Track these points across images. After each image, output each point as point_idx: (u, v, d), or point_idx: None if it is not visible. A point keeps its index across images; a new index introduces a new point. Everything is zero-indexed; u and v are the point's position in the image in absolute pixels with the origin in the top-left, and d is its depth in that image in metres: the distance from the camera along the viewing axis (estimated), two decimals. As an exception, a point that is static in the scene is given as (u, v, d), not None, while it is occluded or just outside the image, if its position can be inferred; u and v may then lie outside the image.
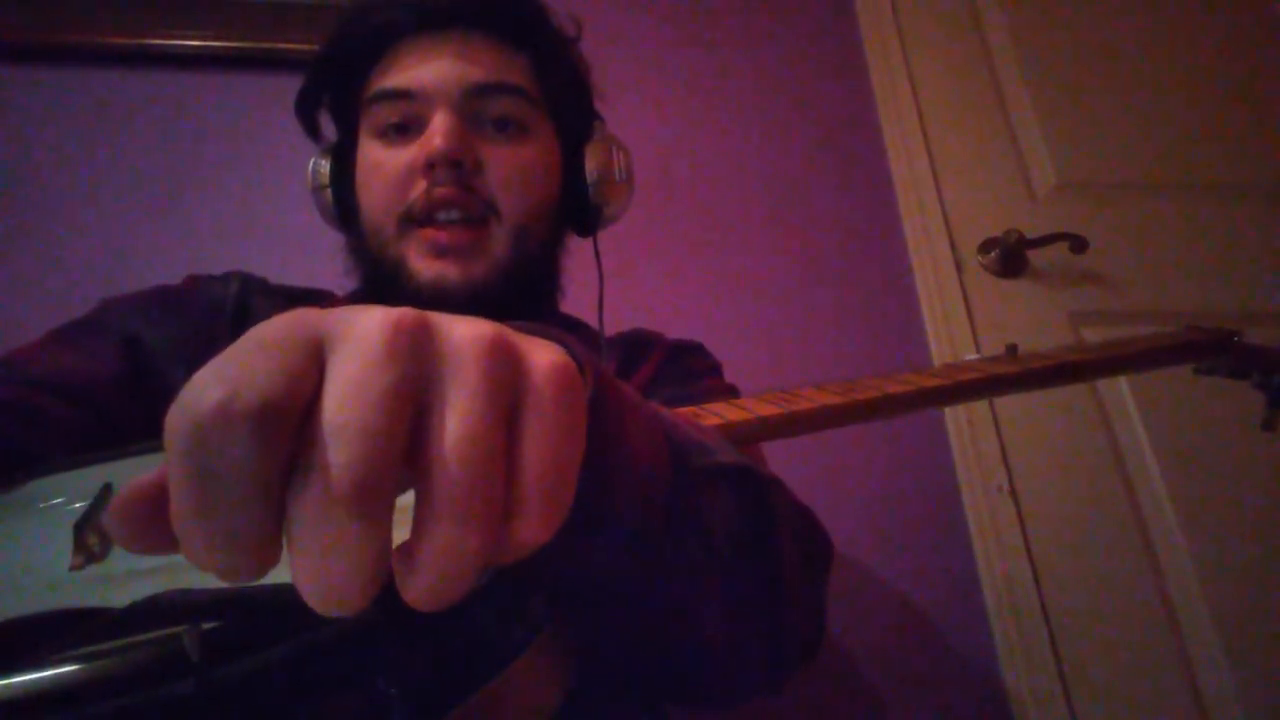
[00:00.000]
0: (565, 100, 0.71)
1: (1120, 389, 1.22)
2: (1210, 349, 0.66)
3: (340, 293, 0.76)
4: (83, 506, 0.35)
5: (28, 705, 0.22)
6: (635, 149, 1.28)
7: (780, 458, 1.12)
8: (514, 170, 0.65)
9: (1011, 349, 0.59)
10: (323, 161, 0.71)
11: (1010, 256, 1.28)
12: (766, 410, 0.45)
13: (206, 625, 0.24)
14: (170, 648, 0.23)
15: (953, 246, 1.29)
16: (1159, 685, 1.05)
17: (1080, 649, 1.06)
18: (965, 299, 1.25)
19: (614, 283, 1.17)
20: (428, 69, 0.64)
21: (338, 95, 0.71)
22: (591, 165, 0.71)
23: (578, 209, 0.72)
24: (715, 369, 0.77)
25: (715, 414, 0.44)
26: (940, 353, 1.22)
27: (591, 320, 0.82)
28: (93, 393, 0.57)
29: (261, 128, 1.22)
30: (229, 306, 0.68)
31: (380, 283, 0.65)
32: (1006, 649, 1.05)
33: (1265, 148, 1.45)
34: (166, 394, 0.59)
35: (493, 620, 0.30)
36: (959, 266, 1.28)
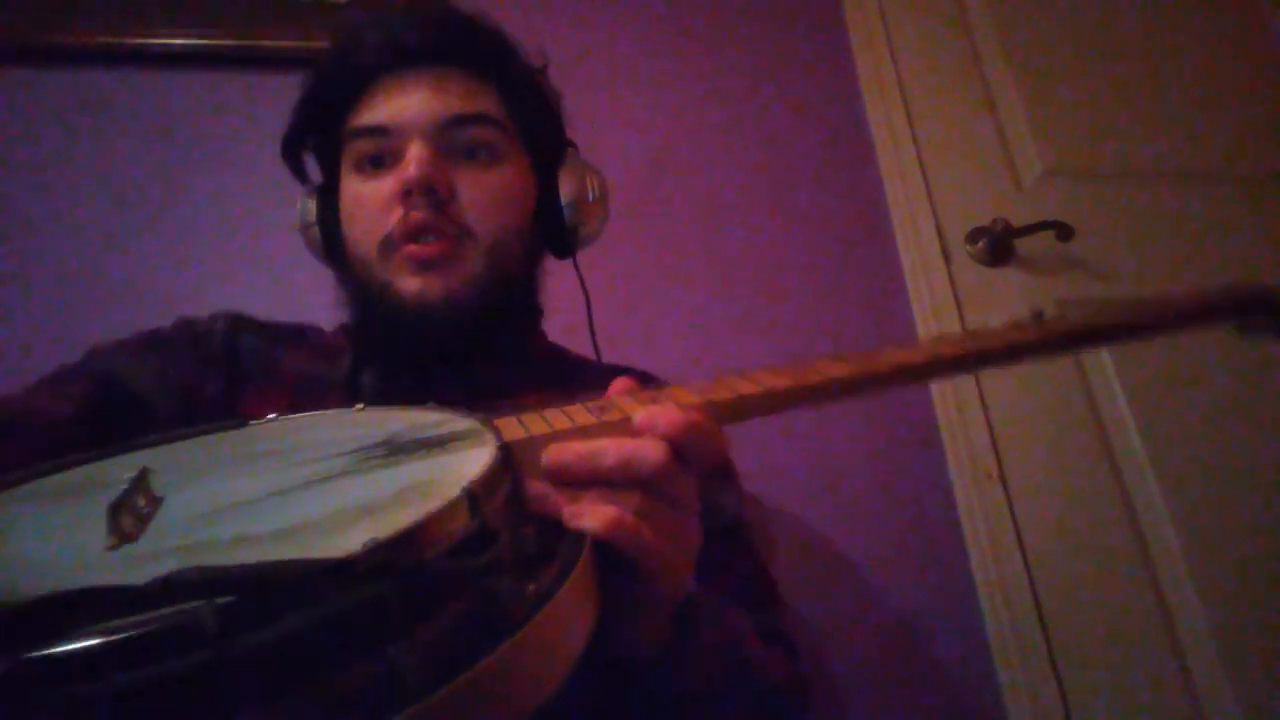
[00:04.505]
0: (536, 128, 0.74)
1: (1108, 374, 1.23)
2: (1254, 307, 0.63)
3: (328, 327, 0.78)
4: (119, 490, 0.36)
5: (52, 675, 0.23)
6: (621, 145, 1.29)
7: (773, 444, 1.13)
8: (486, 193, 0.68)
9: (1037, 315, 0.58)
10: (309, 201, 0.74)
11: (997, 245, 1.29)
12: (779, 383, 0.48)
13: (222, 600, 0.25)
14: (187, 620, 0.24)
15: (940, 236, 1.29)
16: (1149, 669, 1.06)
17: (1070, 631, 1.07)
18: (953, 288, 1.26)
19: (597, 281, 1.17)
20: (402, 104, 0.67)
21: (320, 135, 0.74)
22: (566, 188, 0.74)
23: (555, 231, 0.75)
24: None
25: (729, 388, 0.47)
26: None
27: (582, 340, 0.84)
28: (51, 429, 0.61)
29: (251, 125, 1.22)
30: (217, 344, 0.71)
31: (369, 306, 0.68)
32: (999, 636, 1.06)
33: (1253, 135, 1.46)
34: (148, 420, 0.62)
35: (506, 586, 0.31)
36: (947, 256, 1.28)
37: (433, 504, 0.32)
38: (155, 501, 0.37)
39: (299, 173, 0.77)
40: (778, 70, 1.40)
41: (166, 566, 0.26)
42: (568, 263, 0.82)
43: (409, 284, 0.65)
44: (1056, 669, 1.04)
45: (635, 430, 0.42)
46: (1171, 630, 1.09)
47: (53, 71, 1.19)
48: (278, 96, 1.23)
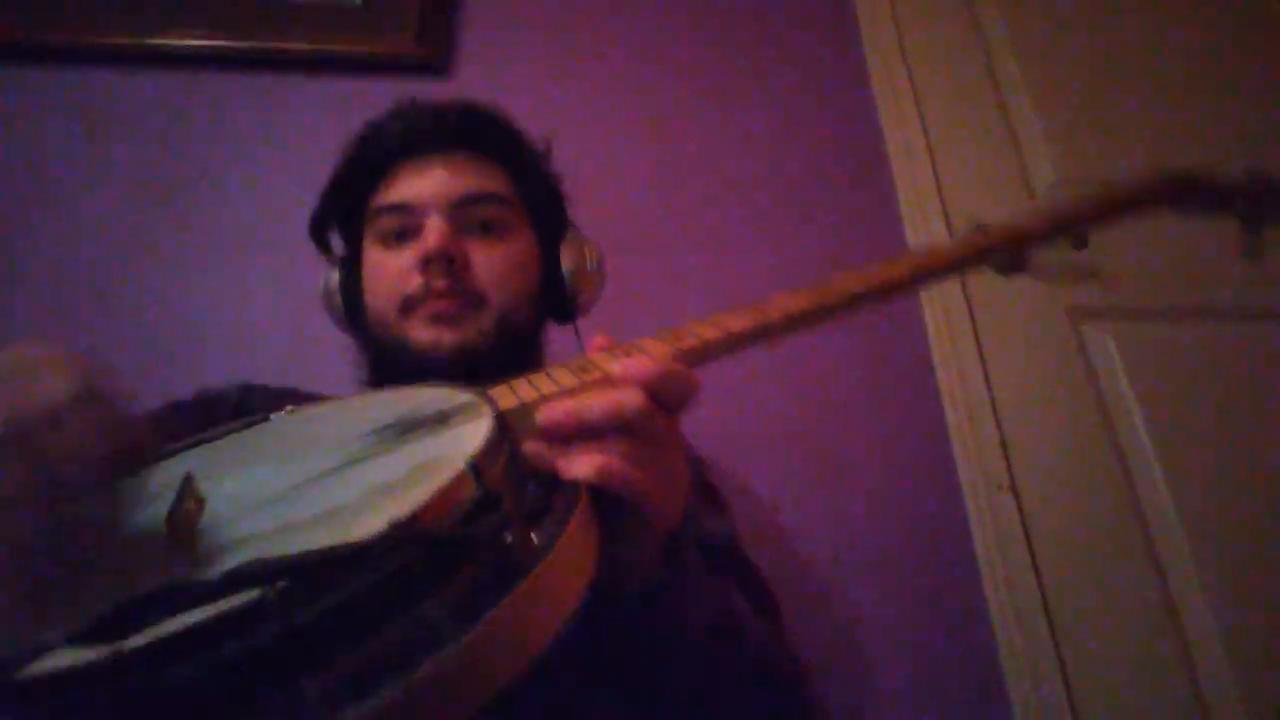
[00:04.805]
0: (541, 206, 0.82)
1: (1120, 384, 1.22)
2: (1182, 189, 0.69)
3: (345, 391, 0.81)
4: (169, 496, 0.40)
5: (149, 661, 0.28)
6: (631, 143, 1.28)
7: (783, 454, 1.12)
8: (498, 264, 0.74)
9: (981, 226, 0.63)
10: (334, 273, 0.81)
11: (1012, 256, 1.27)
12: (740, 323, 0.53)
13: (278, 585, 0.30)
14: (251, 605, 0.29)
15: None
16: (1160, 681, 1.05)
17: (1082, 644, 1.06)
18: (966, 297, 1.25)
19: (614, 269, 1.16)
20: (421, 184, 0.75)
21: (345, 214, 0.81)
22: (567, 260, 0.81)
23: (557, 299, 0.82)
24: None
25: (694, 335, 0.52)
26: (941, 350, 1.21)
27: None
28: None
29: (259, 127, 1.22)
30: (228, 407, 0.76)
31: (385, 358, 0.75)
32: (1009, 649, 1.05)
33: (1268, 142, 1.45)
34: None
35: (514, 540, 0.36)
36: (959, 265, 1.27)
37: (443, 478, 0.36)
38: (200, 502, 0.40)
39: (324, 248, 0.84)
40: (790, 76, 1.40)
41: (226, 562, 0.31)
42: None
43: (424, 335, 0.71)
44: (1067, 681, 1.03)
45: (616, 382, 0.47)
46: (1183, 641, 1.07)
47: (61, 71, 1.19)
48: (286, 98, 1.24)
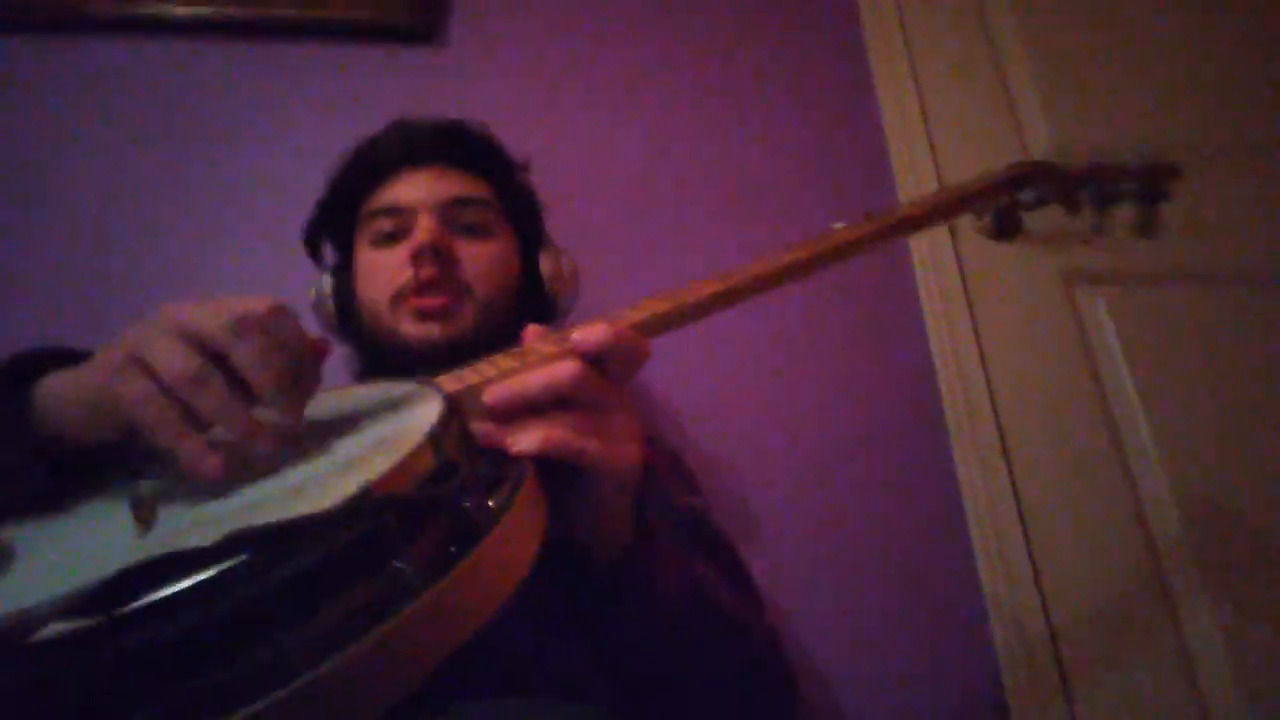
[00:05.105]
0: (520, 212, 0.90)
1: (1114, 351, 1.22)
2: (1032, 177, 0.74)
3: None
4: (129, 488, 0.44)
5: (128, 628, 0.30)
6: (628, 110, 1.28)
7: (770, 417, 1.12)
8: (483, 261, 0.81)
9: (870, 213, 0.68)
10: (327, 278, 0.87)
11: (1005, 219, 1.27)
12: (662, 307, 0.58)
13: (261, 549, 0.32)
14: (241, 567, 0.31)
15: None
16: (1147, 641, 1.07)
17: (1070, 607, 1.07)
18: (959, 262, 1.25)
19: (611, 245, 1.16)
20: (413, 188, 0.82)
21: (338, 222, 0.88)
22: (545, 266, 0.89)
23: (537, 304, 0.88)
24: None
25: (620, 316, 0.56)
26: (934, 313, 1.22)
27: None
28: None
29: (259, 95, 1.21)
30: None
31: (376, 350, 0.80)
32: (999, 613, 1.06)
33: (1264, 111, 1.44)
34: None
35: (473, 504, 0.39)
36: (953, 231, 1.28)
37: (404, 450, 0.39)
38: (154, 495, 0.43)
39: (317, 257, 0.90)
40: (784, 43, 1.39)
41: (200, 537, 0.32)
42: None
43: (413, 329, 0.77)
44: (1056, 645, 1.05)
45: (568, 352, 0.51)
46: (1170, 603, 1.09)
47: (60, 40, 1.18)
48: (286, 67, 1.23)
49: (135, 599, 0.30)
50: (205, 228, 1.13)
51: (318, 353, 0.49)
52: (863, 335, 1.21)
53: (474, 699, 0.47)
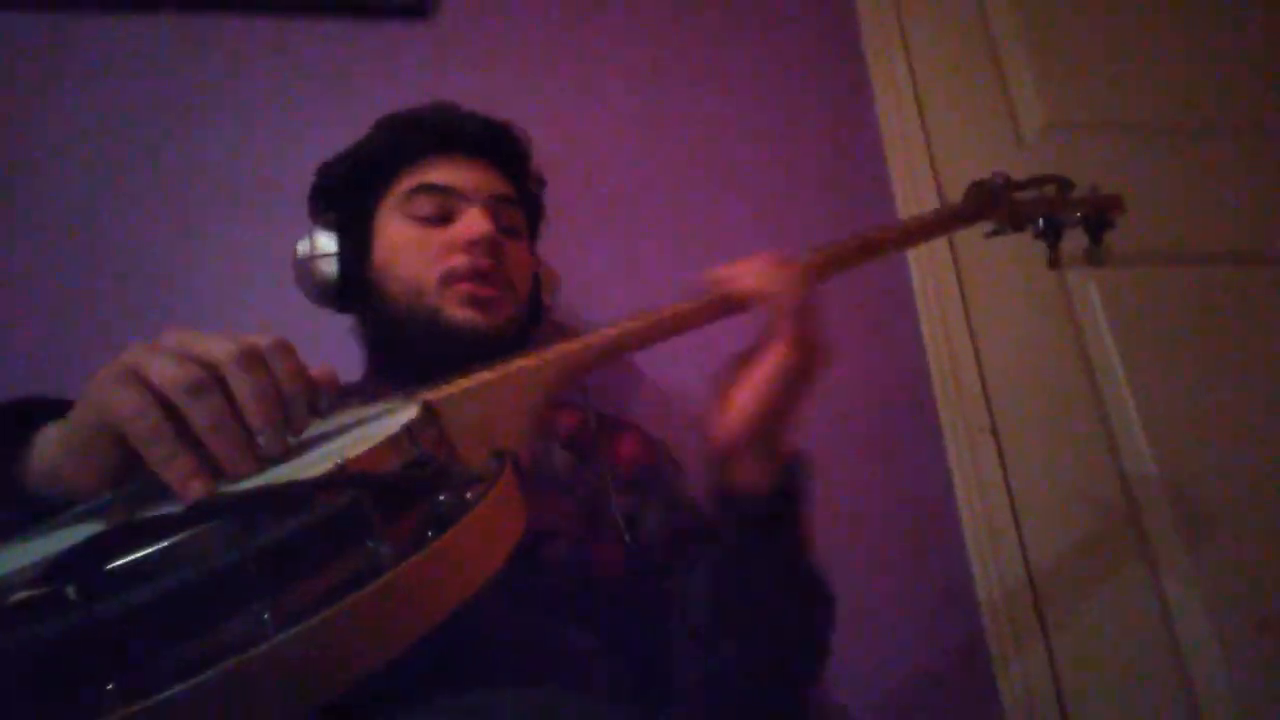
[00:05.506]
0: (534, 221, 0.94)
1: (1103, 332, 1.23)
2: (979, 209, 0.78)
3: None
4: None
5: (100, 591, 0.30)
6: (618, 97, 1.27)
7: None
8: (520, 262, 0.85)
9: (814, 248, 0.70)
10: (320, 239, 0.85)
11: (997, 200, 1.27)
12: (596, 340, 0.61)
13: (237, 516, 0.32)
14: (217, 533, 0.32)
15: (939, 191, 1.28)
16: (1137, 622, 1.09)
17: (1057, 584, 1.09)
18: (950, 243, 1.26)
19: (602, 224, 1.16)
20: (466, 175, 0.83)
21: (359, 188, 0.86)
22: (538, 269, 0.92)
23: (534, 305, 0.91)
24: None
25: (582, 341, 0.60)
26: (925, 294, 1.22)
27: None
28: None
29: (238, 69, 1.20)
30: None
31: (409, 332, 0.79)
32: (987, 591, 1.08)
33: (1255, 88, 1.44)
34: None
35: (448, 495, 0.40)
36: (945, 210, 1.28)
37: (380, 437, 0.42)
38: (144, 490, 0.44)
39: (317, 214, 0.87)
40: (776, 22, 1.38)
41: (173, 508, 0.32)
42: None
43: (460, 313, 0.77)
44: (1044, 622, 1.07)
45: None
46: (1156, 578, 1.11)
47: (35, 14, 1.16)
48: (276, 42, 1.21)
49: (111, 561, 0.30)
50: (191, 203, 1.12)
51: (315, 389, 0.48)
52: (852, 312, 1.22)
53: (492, 687, 0.48)
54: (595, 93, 1.28)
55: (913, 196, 1.27)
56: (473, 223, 0.79)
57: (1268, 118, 1.43)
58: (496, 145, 0.87)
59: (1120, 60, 1.43)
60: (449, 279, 0.78)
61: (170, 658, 0.29)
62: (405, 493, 0.38)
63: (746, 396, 0.60)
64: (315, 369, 0.48)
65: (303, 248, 0.85)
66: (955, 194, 1.28)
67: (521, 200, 0.90)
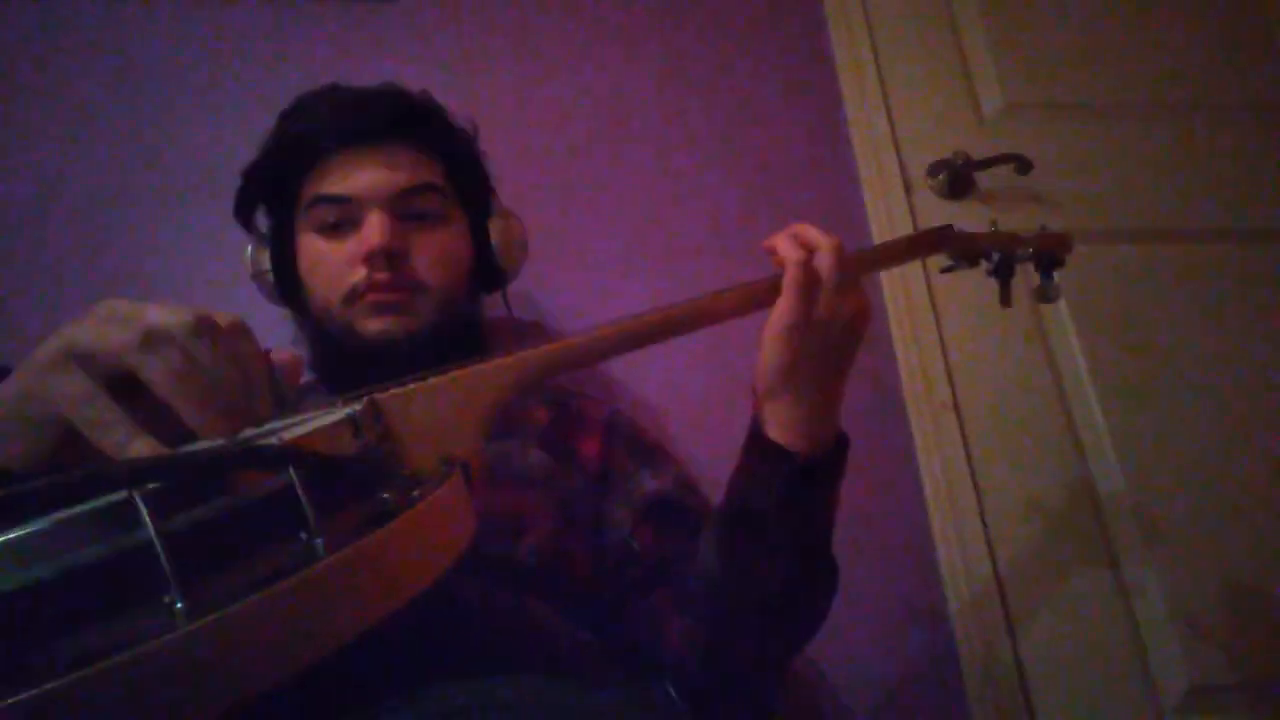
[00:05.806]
0: (471, 188, 0.86)
1: (1060, 308, 1.26)
2: (933, 245, 0.78)
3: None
4: None
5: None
6: (581, 79, 1.27)
7: (721, 373, 1.15)
8: (434, 252, 0.79)
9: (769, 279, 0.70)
10: (261, 253, 0.83)
11: (957, 179, 1.30)
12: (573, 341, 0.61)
13: (151, 486, 0.28)
14: (146, 497, 0.28)
15: (902, 170, 1.30)
16: (1092, 589, 1.12)
17: (1017, 556, 1.13)
18: (914, 221, 1.28)
19: (568, 206, 1.16)
20: (361, 177, 0.77)
21: (272, 196, 0.83)
22: (495, 235, 0.86)
23: (486, 271, 0.87)
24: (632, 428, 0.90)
25: (545, 349, 0.58)
26: (889, 273, 1.24)
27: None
28: None
29: (209, 53, 1.18)
30: None
31: (329, 344, 0.78)
32: (950, 566, 1.11)
33: (1212, 67, 1.47)
34: None
35: (393, 491, 0.39)
36: (908, 189, 1.30)
37: (323, 421, 0.41)
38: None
39: (249, 227, 0.85)
40: (741, 5, 1.38)
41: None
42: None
43: (370, 324, 0.75)
44: (1003, 591, 1.10)
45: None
46: (1109, 545, 1.15)
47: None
48: (236, 23, 1.20)
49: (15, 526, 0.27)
50: (154, 189, 1.12)
51: (270, 368, 0.45)
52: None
53: (480, 676, 0.48)
54: (562, 79, 1.28)
55: (877, 177, 1.29)
56: (368, 235, 0.75)
57: (1226, 97, 1.46)
58: (395, 124, 0.79)
59: (1080, 41, 1.45)
60: (353, 296, 0.76)
61: (62, 646, 0.26)
62: (345, 481, 0.37)
63: (763, 349, 0.64)
64: (278, 352, 0.46)
65: (245, 258, 0.85)
66: (917, 171, 1.31)
67: (447, 171, 0.83)
